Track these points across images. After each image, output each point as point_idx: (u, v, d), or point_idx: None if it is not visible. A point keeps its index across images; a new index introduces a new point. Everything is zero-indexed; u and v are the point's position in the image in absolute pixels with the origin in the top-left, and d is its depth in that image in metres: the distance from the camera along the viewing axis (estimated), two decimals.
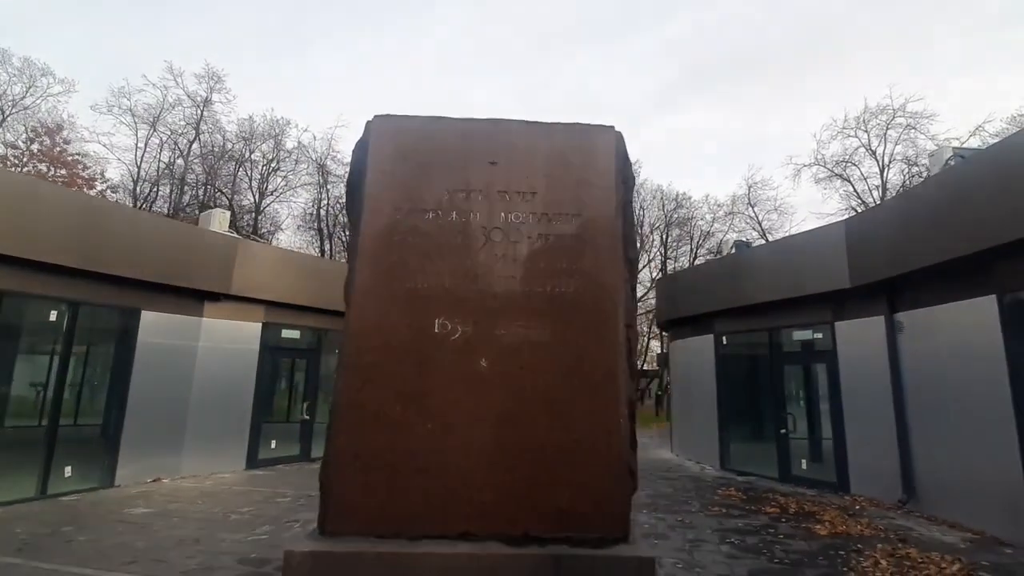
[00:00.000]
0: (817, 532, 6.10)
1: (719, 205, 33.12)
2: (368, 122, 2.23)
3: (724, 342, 10.78)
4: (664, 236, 32.82)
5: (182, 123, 30.32)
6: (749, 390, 10.78)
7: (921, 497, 7.08)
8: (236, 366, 10.09)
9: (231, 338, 10.04)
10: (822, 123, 50.45)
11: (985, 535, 5.98)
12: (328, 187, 35.12)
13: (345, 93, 52.20)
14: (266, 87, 49.43)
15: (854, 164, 28.19)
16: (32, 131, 26.21)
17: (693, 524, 6.54)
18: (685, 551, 5.48)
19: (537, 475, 1.95)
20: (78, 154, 27.69)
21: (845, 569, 4.91)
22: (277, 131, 33.68)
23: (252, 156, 33.62)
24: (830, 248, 8.29)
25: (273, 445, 11.04)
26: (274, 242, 36.04)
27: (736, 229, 31.42)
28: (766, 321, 9.76)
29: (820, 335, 8.94)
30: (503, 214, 2.13)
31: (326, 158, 34.77)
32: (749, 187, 30.78)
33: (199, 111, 30.77)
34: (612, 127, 2.23)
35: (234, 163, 32.95)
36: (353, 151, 2.27)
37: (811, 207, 50.19)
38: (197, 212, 30.16)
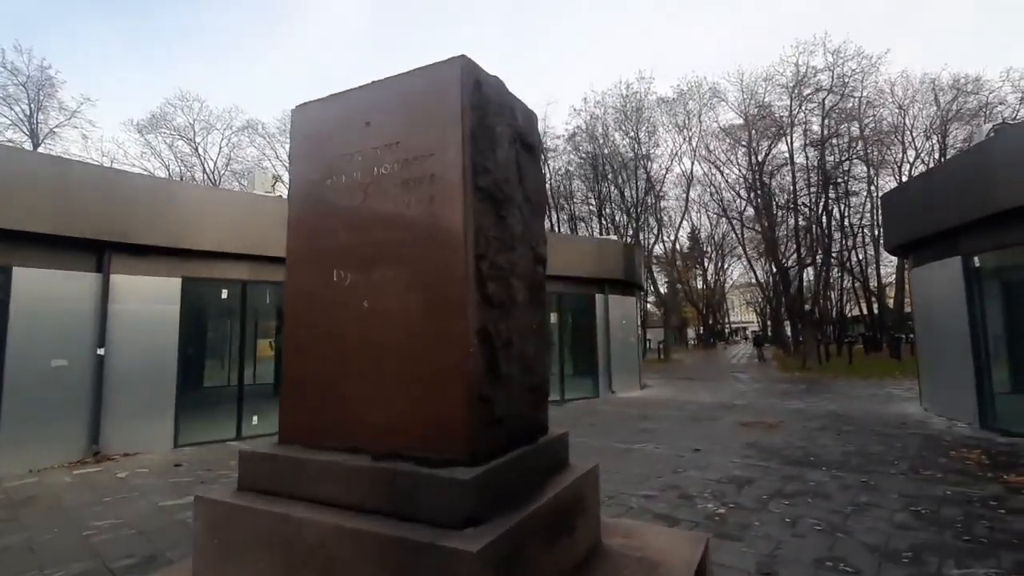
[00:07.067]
0: None
1: None
2: (291, 112, 2.55)
3: (976, 264, 7.79)
4: (941, 139, 24.61)
5: None
6: (1019, 324, 7.61)
7: None
8: None
9: None
10: None
11: None
12: (548, 163, 36.94)
13: (554, 71, 53.35)
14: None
15: None
16: None
17: (878, 487, 5.19)
18: (841, 514, 4.45)
19: (407, 399, 2.06)
20: None
21: None
22: None
23: None
24: None
25: None
26: None
27: None
28: None
29: None
30: (375, 169, 2.21)
31: (544, 136, 36.59)
32: None
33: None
34: (460, 56, 2.08)
35: None
36: None
37: None
38: None
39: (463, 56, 2.06)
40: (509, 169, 2.18)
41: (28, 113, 27.47)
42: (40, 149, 26.57)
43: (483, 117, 2.05)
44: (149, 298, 8.59)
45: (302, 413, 2.30)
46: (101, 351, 8.06)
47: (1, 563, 4.12)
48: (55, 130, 27.94)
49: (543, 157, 36.74)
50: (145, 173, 26.75)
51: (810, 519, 4.35)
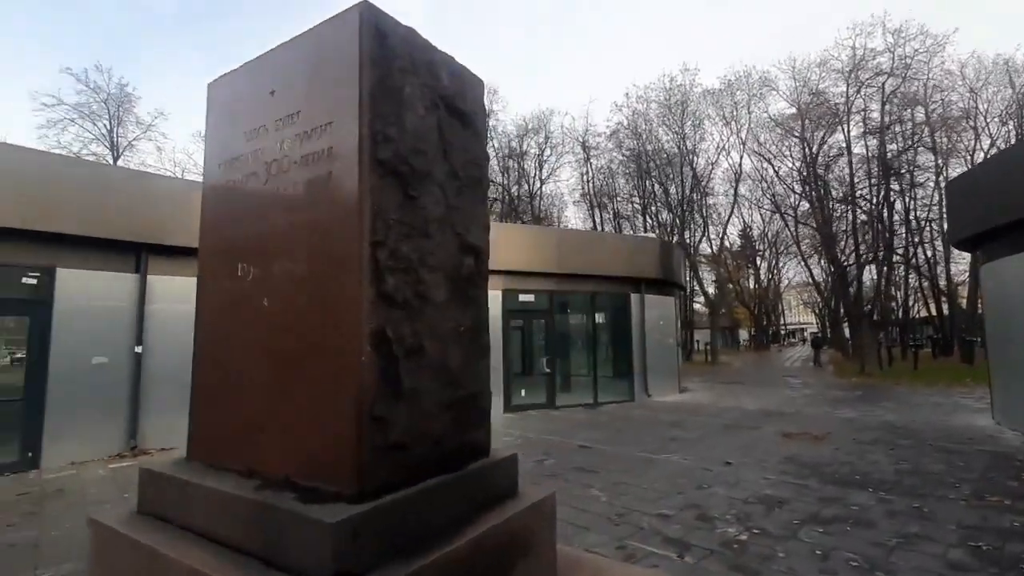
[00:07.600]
0: None
1: None
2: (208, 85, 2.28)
3: None
4: (1018, 124, 22.04)
5: None
6: None
7: None
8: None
9: None
10: None
11: None
12: (591, 161, 36.13)
13: (594, 69, 52.24)
14: (529, 80, 53.13)
15: None
16: None
17: (932, 515, 4.42)
18: (884, 547, 3.78)
19: (300, 417, 1.75)
20: None
21: None
22: (544, 122, 36.17)
23: (528, 149, 37.00)
24: None
25: (523, 394, 12.27)
26: (563, 217, 39.25)
27: None
28: None
29: None
30: (278, 145, 1.91)
31: (586, 134, 35.78)
32: None
33: (488, 122, 35.64)
34: (361, 2, 1.73)
35: (515, 159, 36.92)
36: None
37: None
38: (490, 205, 35.45)
39: (364, 2, 1.70)
40: (424, 139, 1.81)
41: (109, 128, 29.54)
42: (119, 162, 28.47)
43: (386, 75, 1.69)
44: (185, 298, 8.66)
45: (206, 427, 2.03)
46: (139, 349, 8.30)
47: (3, 559, 4.15)
48: (132, 143, 29.89)
49: (590, 151, 35.94)
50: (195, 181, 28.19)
51: (846, 552, 3.71)
